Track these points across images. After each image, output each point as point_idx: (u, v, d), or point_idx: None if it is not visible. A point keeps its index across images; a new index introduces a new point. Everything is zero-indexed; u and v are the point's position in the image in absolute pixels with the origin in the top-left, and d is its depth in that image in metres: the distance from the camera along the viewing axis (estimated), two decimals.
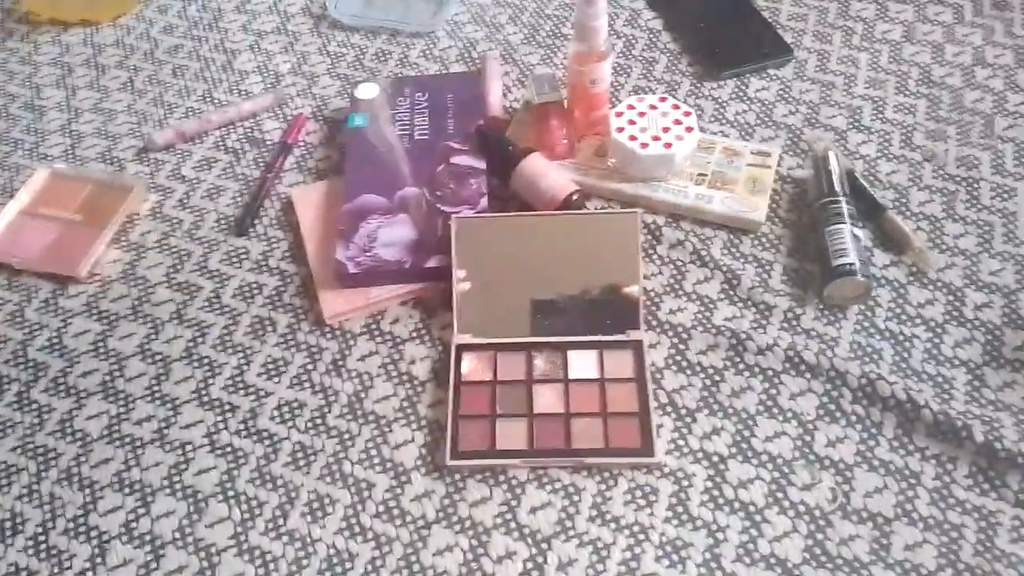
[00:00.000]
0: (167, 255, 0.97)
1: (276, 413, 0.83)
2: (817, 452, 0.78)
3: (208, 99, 1.15)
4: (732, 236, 0.94)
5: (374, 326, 0.89)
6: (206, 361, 0.88)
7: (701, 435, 0.80)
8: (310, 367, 0.87)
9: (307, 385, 0.85)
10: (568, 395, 0.81)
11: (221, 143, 1.09)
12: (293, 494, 0.78)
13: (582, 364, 0.83)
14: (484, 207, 0.94)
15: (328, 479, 0.79)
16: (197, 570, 0.74)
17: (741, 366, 0.84)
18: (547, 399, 0.81)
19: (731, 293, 0.89)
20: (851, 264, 0.85)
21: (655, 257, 0.93)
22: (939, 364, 0.83)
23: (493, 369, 0.84)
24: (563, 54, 1.16)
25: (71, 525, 0.77)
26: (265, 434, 0.82)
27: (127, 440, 0.83)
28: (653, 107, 0.98)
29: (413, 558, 0.74)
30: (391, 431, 0.82)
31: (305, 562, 0.74)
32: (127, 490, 0.79)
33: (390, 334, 0.89)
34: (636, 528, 0.74)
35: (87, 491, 0.79)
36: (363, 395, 0.84)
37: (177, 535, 0.76)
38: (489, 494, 0.77)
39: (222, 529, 0.76)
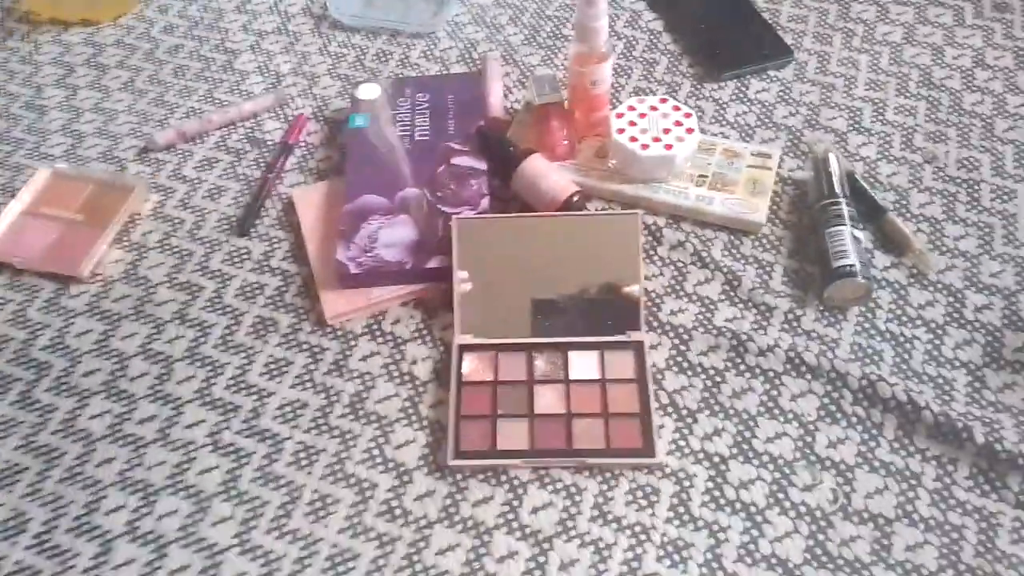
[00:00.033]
0: (169, 255, 0.97)
1: (278, 413, 0.84)
2: (818, 453, 0.78)
3: (209, 99, 1.15)
4: (733, 237, 0.94)
5: (375, 326, 0.90)
6: (208, 361, 0.88)
7: (702, 436, 0.80)
8: (312, 367, 0.87)
9: (309, 385, 0.86)
10: (569, 396, 0.82)
11: (222, 143, 1.09)
12: (296, 494, 0.78)
13: (583, 365, 0.84)
14: (485, 208, 0.94)
15: (331, 479, 0.79)
16: (200, 569, 0.74)
17: (742, 367, 0.84)
18: (548, 399, 0.82)
19: (732, 294, 0.89)
20: (851, 266, 0.85)
21: (656, 258, 0.93)
22: (940, 366, 0.83)
23: (494, 369, 0.84)
24: (564, 55, 1.16)
25: (75, 524, 0.78)
26: (267, 434, 0.82)
27: (130, 439, 0.83)
28: (654, 108, 0.98)
29: (415, 558, 0.74)
30: (393, 431, 0.82)
31: (308, 562, 0.74)
32: (130, 489, 0.79)
33: (391, 334, 0.89)
34: (637, 528, 0.75)
35: (90, 490, 0.80)
36: (365, 395, 0.84)
37: (180, 534, 0.76)
38: (491, 494, 0.77)
39: (225, 528, 0.76)
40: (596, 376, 0.83)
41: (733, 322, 0.87)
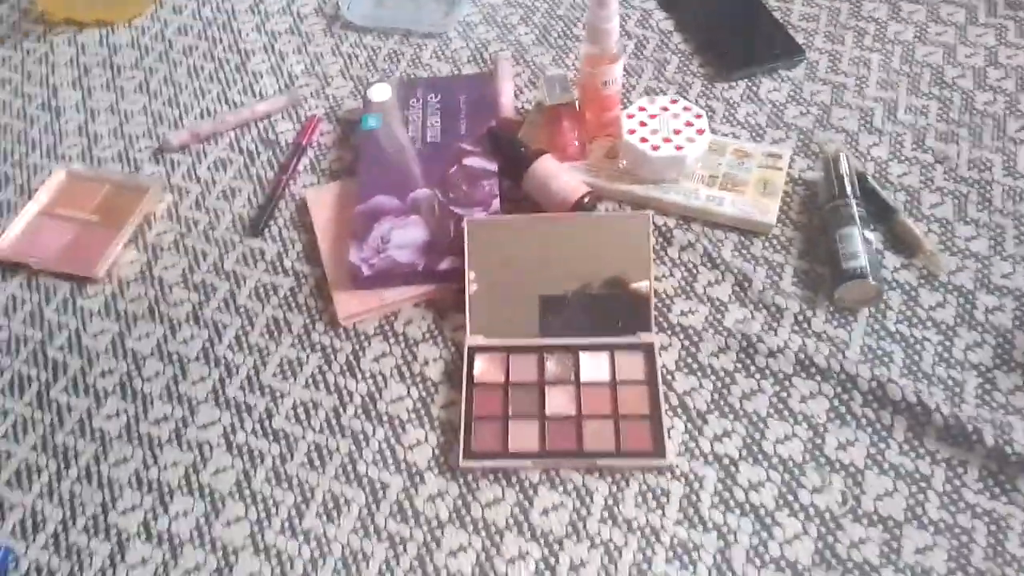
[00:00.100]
0: (183, 256, 0.98)
1: (291, 413, 0.84)
2: (828, 455, 0.78)
3: (222, 100, 1.16)
4: (743, 238, 0.94)
5: (387, 327, 0.90)
6: (222, 361, 0.89)
7: (712, 437, 0.80)
8: (324, 368, 0.88)
9: (322, 386, 0.86)
10: (580, 397, 0.82)
11: (236, 144, 1.10)
12: (309, 494, 0.79)
13: (593, 366, 0.84)
14: (496, 209, 0.94)
15: (343, 479, 0.80)
16: (214, 569, 0.75)
17: (752, 368, 0.84)
18: (559, 401, 0.82)
19: (742, 295, 0.89)
20: (862, 267, 0.85)
21: (666, 259, 0.93)
22: (950, 367, 0.83)
23: (505, 371, 0.84)
24: (575, 55, 1.16)
25: (90, 523, 0.79)
26: (281, 434, 0.83)
27: (145, 439, 0.84)
28: (664, 109, 0.98)
29: (427, 558, 0.75)
30: (405, 432, 0.83)
31: (321, 562, 0.75)
32: (145, 489, 0.80)
33: (403, 335, 0.89)
34: (647, 530, 0.75)
35: (106, 490, 0.81)
36: (377, 396, 0.85)
37: (195, 534, 0.77)
38: (502, 495, 0.78)
39: (239, 528, 0.77)
40: (606, 378, 0.83)
41: (743, 323, 0.87)
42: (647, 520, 0.76)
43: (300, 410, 0.85)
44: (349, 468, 0.80)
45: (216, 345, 0.90)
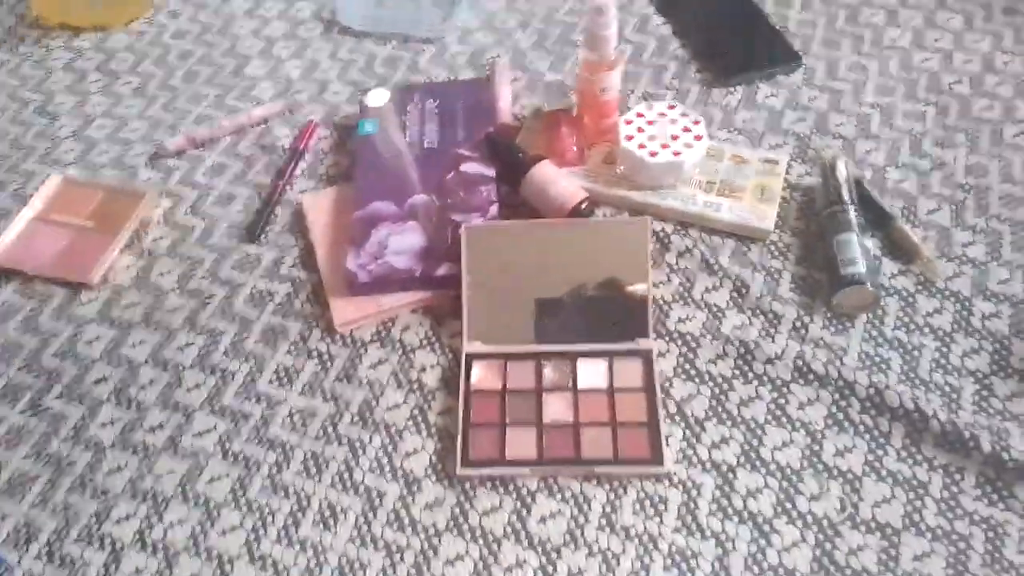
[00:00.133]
0: (179, 262, 0.98)
1: (287, 421, 0.84)
2: (826, 462, 0.78)
3: (219, 105, 1.16)
4: (740, 244, 0.94)
5: (384, 334, 0.90)
6: (218, 369, 0.88)
7: (710, 444, 0.80)
8: (321, 375, 0.87)
9: (318, 393, 0.86)
10: (577, 404, 0.82)
11: (232, 149, 1.10)
12: (305, 502, 0.79)
13: (591, 373, 0.84)
14: (494, 215, 0.94)
15: (339, 487, 0.79)
16: None
17: (750, 375, 0.84)
18: (556, 408, 0.82)
19: (739, 302, 0.89)
20: (860, 273, 0.85)
21: (663, 265, 0.93)
22: (947, 374, 0.83)
23: (503, 378, 0.84)
24: (573, 60, 1.16)
25: (85, 533, 0.78)
26: (277, 442, 0.83)
27: (140, 448, 0.83)
28: (662, 115, 0.98)
29: (424, 567, 0.74)
30: (401, 439, 0.82)
31: (317, 571, 0.75)
32: (140, 498, 0.80)
33: (400, 342, 0.89)
34: (645, 538, 0.75)
35: (100, 499, 0.80)
36: (374, 403, 0.85)
37: (190, 543, 0.77)
38: (499, 503, 0.78)
39: (234, 537, 0.77)
40: (604, 385, 0.83)
41: (741, 329, 0.87)
42: (645, 528, 0.75)
43: (296, 418, 0.84)
44: (346, 476, 0.80)
45: (212, 352, 0.90)
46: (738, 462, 0.79)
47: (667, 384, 0.84)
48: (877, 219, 0.94)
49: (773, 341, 0.86)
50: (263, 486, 0.79)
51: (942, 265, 0.90)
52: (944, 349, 0.85)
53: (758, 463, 0.78)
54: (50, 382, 0.89)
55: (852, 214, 0.90)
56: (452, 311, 0.90)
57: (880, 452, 0.78)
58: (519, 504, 0.77)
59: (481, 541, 0.75)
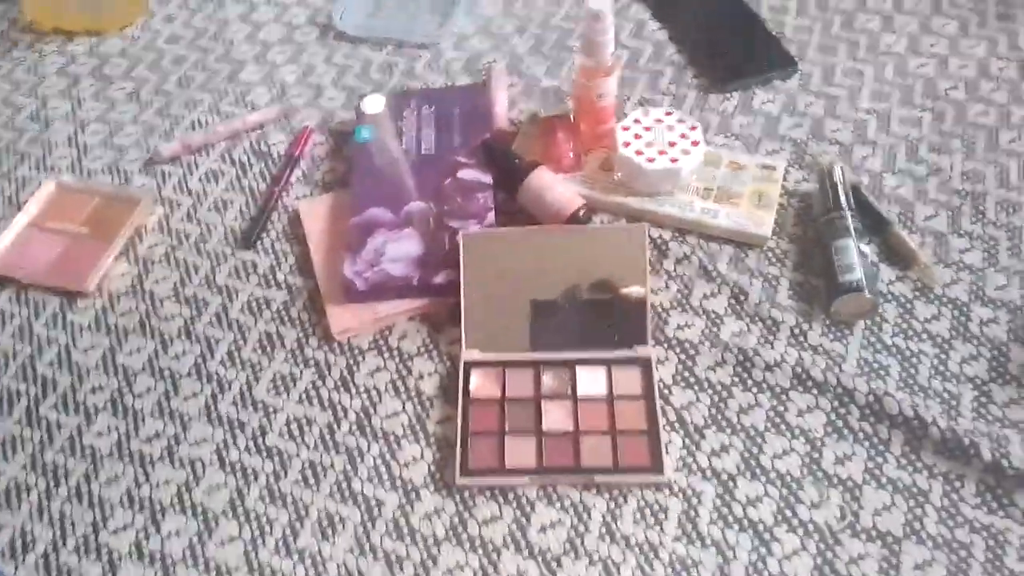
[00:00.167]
0: (174, 269, 0.97)
1: (285, 430, 0.84)
2: (825, 469, 0.78)
3: (214, 110, 1.15)
4: (738, 250, 0.94)
5: (382, 341, 0.90)
6: (215, 377, 0.88)
7: (710, 452, 0.80)
8: (318, 383, 0.87)
9: (315, 401, 0.85)
10: (577, 412, 0.82)
11: (227, 155, 1.09)
12: (303, 512, 0.78)
13: (590, 381, 0.84)
14: (491, 221, 0.94)
15: (338, 497, 0.79)
16: None
17: (749, 382, 0.84)
18: (556, 416, 0.81)
19: (738, 308, 0.89)
20: (857, 280, 0.85)
21: (661, 272, 0.93)
22: (946, 380, 0.83)
23: (501, 386, 0.84)
24: (569, 66, 1.16)
25: (81, 543, 0.78)
26: (274, 451, 0.82)
27: (136, 457, 0.83)
28: (659, 121, 0.98)
29: None
30: (400, 448, 0.82)
31: None
32: (137, 508, 0.79)
33: (398, 350, 0.89)
34: (646, 547, 0.75)
35: (97, 509, 0.80)
36: (372, 411, 0.84)
37: (187, 553, 0.76)
38: (499, 512, 0.77)
39: (232, 548, 0.76)
40: (603, 393, 0.83)
41: (740, 337, 0.87)
42: (645, 536, 0.75)
43: (294, 426, 0.84)
44: (344, 485, 0.80)
45: (208, 360, 0.89)
46: (738, 470, 0.79)
47: (666, 392, 0.84)
48: (874, 224, 0.94)
49: (772, 348, 0.86)
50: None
51: (939, 271, 0.91)
52: (943, 355, 0.85)
53: (758, 471, 0.78)
54: (45, 390, 0.88)
55: (849, 220, 0.90)
56: (450, 319, 0.90)
57: (880, 459, 0.78)
58: (519, 513, 0.77)
59: (481, 551, 0.75)
